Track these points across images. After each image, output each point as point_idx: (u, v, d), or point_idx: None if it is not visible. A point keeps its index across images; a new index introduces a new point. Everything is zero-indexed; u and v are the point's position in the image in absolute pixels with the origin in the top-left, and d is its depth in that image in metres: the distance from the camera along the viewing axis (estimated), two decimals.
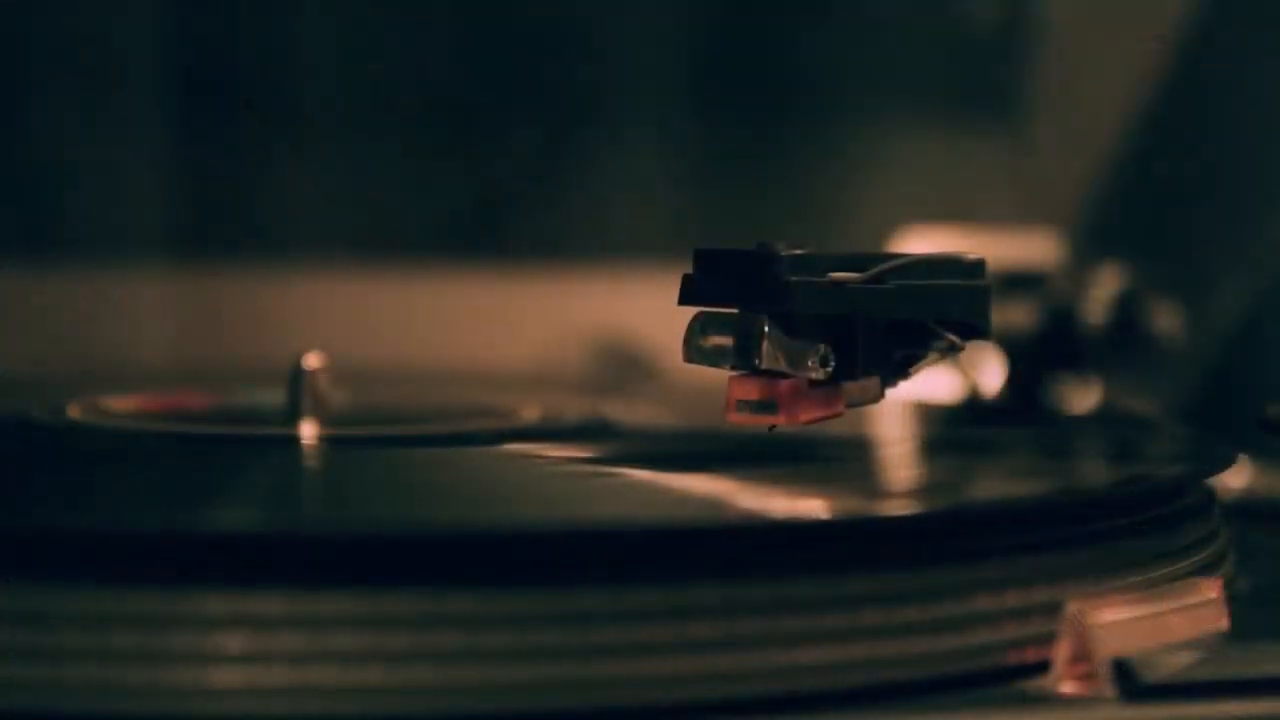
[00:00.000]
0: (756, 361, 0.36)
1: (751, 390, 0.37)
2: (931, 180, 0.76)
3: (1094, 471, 0.44)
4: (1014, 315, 0.57)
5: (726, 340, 0.37)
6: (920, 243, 0.61)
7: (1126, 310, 0.57)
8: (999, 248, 0.60)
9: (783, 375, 0.37)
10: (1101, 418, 0.54)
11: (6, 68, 0.70)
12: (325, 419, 0.44)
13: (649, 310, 0.60)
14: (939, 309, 0.38)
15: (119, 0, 0.70)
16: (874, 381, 0.38)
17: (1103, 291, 0.57)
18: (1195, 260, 0.69)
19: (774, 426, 0.37)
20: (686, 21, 0.75)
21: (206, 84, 0.71)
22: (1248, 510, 0.48)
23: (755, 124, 0.75)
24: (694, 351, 0.37)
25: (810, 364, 0.37)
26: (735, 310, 0.37)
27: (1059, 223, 0.67)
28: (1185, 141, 0.71)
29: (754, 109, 0.76)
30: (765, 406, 0.37)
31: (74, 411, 0.47)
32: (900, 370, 0.39)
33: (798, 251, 0.36)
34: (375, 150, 0.73)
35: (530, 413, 0.48)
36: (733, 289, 0.37)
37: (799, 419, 0.37)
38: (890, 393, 0.39)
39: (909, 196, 0.74)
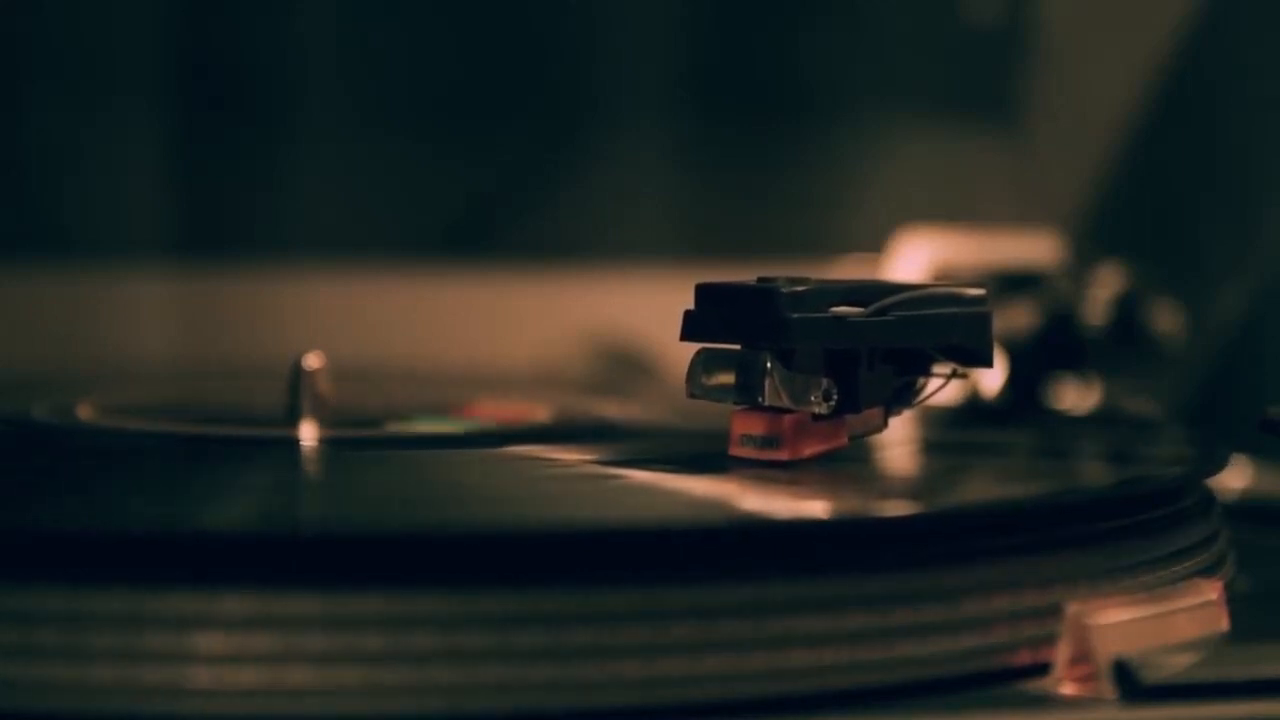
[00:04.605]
0: (760, 398, 0.37)
1: (755, 425, 0.37)
2: (931, 180, 0.76)
3: (1094, 473, 0.44)
4: (1014, 315, 0.57)
5: (729, 377, 0.37)
6: (920, 244, 0.61)
7: (1126, 310, 0.57)
8: (999, 248, 0.60)
9: (786, 410, 0.37)
10: (1101, 418, 0.54)
11: (6, 68, 0.70)
12: (325, 419, 0.44)
13: (649, 310, 0.60)
14: (941, 338, 0.38)
15: (119, 0, 0.70)
16: (877, 412, 0.39)
17: (1103, 291, 0.57)
18: (1195, 260, 0.69)
19: (778, 462, 0.37)
20: (686, 22, 0.75)
21: (206, 84, 0.71)
22: (1248, 511, 0.48)
23: (755, 124, 0.75)
24: (697, 388, 0.38)
25: (813, 399, 0.37)
26: (737, 346, 0.37)
27: (1059, 223, 0.67)
28: (1185, 141, 0.71)
29: (754, 109, 0.76)
30: (769, 441, 0.37)
31: (81, 412, 0.47)
32: (903, 400, 0.39)
33: (799, 288, 0.37)
34: (375, 150, 0.73)
35: (530, 414, 0.48)
36: (734, 325, 0.37)
37: (803, 454, 0.37)
38: (892, 421, 0.39)
39: (909, 196, 0.74)
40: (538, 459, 0.40)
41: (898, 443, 0.43)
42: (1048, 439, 0.49)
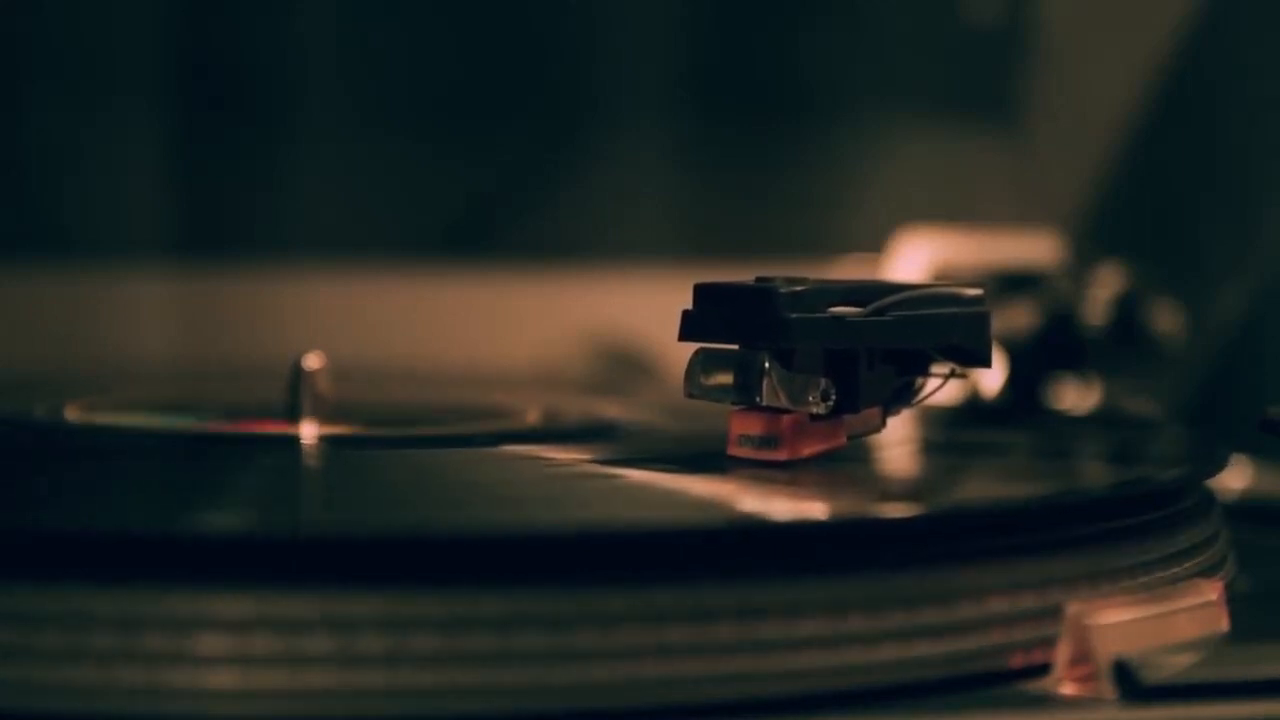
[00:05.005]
0: (758, 398, 0.37)
1: (753, 425, 0.37)
2: (931, 180, 0.76)
3: (1094, 473, 0.44)
4: (1014, 315, 0.57)
5: (727, 377, 0.37)
6: (920, 244, 0.61)
7: (1126, 310, 0.57)
8: (999, 248, 0.60)
9: (784, 410, 0.37)
10: (1101, 418, 0.54)
11: (6, 68, 0.70)
12: (325, 419, 0.44)
13: (649, 310, 0.60)
14: (940, 338, 0.38)
15: (119, 0, 0.70)
16: (875, 412, 0.39)
17: (1103, 291, 0.57)
18: (1195, 260, 0.69)
19: (776, 462, 0.37)
20: (686, 22, 0.75)
21: (206, 84, 0.71)
22: (1248, 511, 0.48)
23: (755, 124, 0.75)
24: (695, 388, 0.38)
25: (811, 399, 0.37)
26: (735, 346, 0.37)
27: (1059, 223, 0.67)
28: (1185, 141, 0.71)
29: (754, 109, 0.76)
30: (767, 441, 0.37)
31: (80, 412, 0.47)
32: (902, 400, 0.39)
33: (798, 288, 0.37)
34: (375, 150, 0.73)
35: (530, 414, 0.48)
36: (733, 325, 0.37)
37: (801, 453, 0.37)
38: (891, 421, 0.39)
39: (909, 196, 0.74)
40: (537, 459, 0.40)
41: (897, 443, 0.43)
42: (1048, 439, 0.49)
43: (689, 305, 0.38)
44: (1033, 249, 0.61)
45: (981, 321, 0.39)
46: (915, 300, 0.38)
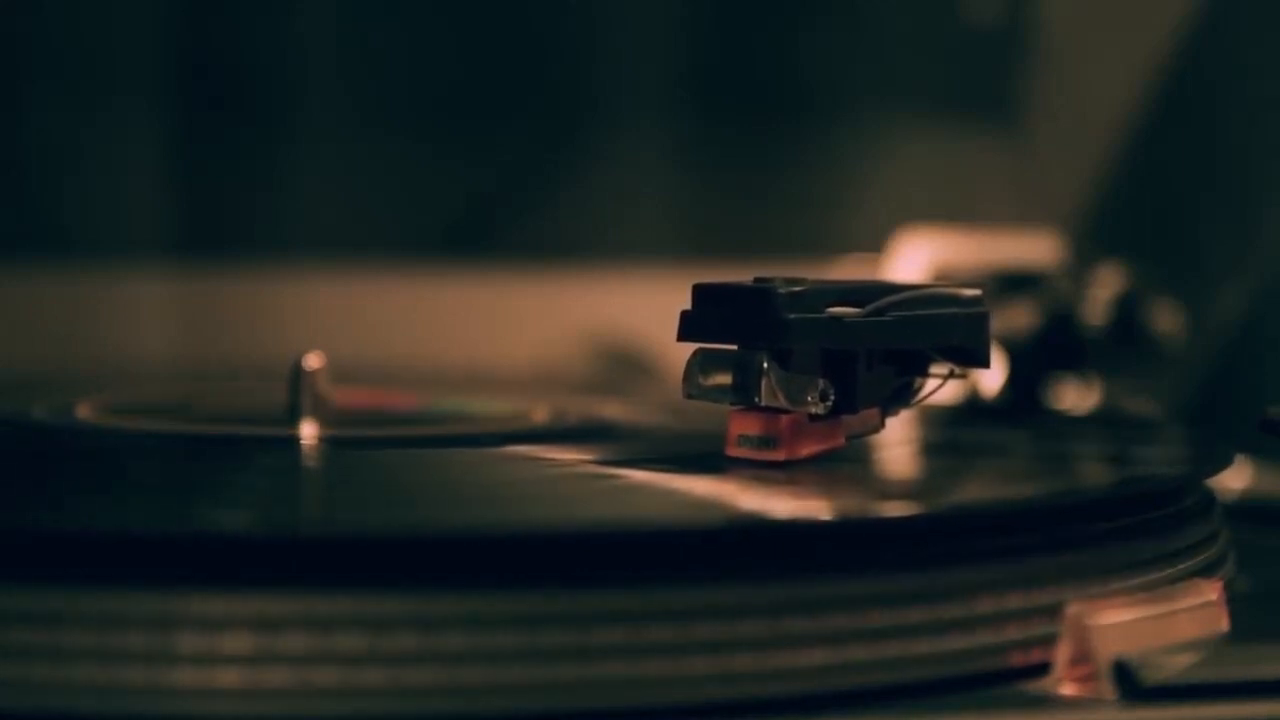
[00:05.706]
0: (756, 399, 0.37)
1: (752, 425, 0.37)
2: (931, 180, 0.76)
3: (1094, 473, 0.44)
4: (1014, 315, 0.57)
5: (726, 378, 0.37)
6: (920, 244, 0.61)
7: (1126, 310, 0.57)
8: (999, 248, 0.61)
9: (783, 411, 0.37)
10: (1101, 418, 0.54)
11: (6, 68, 0.70)
12: (325, 419, 0.44)
13: (649, 310, 0.60)
14: (939, 338, 0.38)
15: (119, 0, 0.70)
16: (874, 412, 0.39)
17: (1103, 291, 0.57)
18: (1195, 260, 0.69)
19: (775, 462, 0.37)
20: (686, 22, 0.75)
21: (206, 84, 0.71)
22: (1248, 511, 0.48)
23: (755, 124, 0.75)
24: (694, 388, 0.38)
25: (810, 399, 0.37)
26: (734, 347, 0.37)
27: (1059, 223, 0.67)
28: (1185, 141, 0.71)
29: (754, 109, 0.76)
30: (766, 441, 0.37)
31: (81, 412, 0.47)
32: (900, 400, 0.39)
33: (796, 288, 0.37)
34: (375, 150, 0.73)
35: (530, 414, 0.48)
36: (731, 326, 0.37)
37: (799, 454, 0.37)
38: (891, 421, 0.39)
39: (909, 196, 0.74)
40: (537, 459, 0.40)
41: (897, 443, 0.43)
42: (1048, 439, 0.49)
43: (688, 305, 0.38)
44: (1033, 249, 0.61)
45: (980, 322, 0.39)
46: (914, 301, 0.38)
